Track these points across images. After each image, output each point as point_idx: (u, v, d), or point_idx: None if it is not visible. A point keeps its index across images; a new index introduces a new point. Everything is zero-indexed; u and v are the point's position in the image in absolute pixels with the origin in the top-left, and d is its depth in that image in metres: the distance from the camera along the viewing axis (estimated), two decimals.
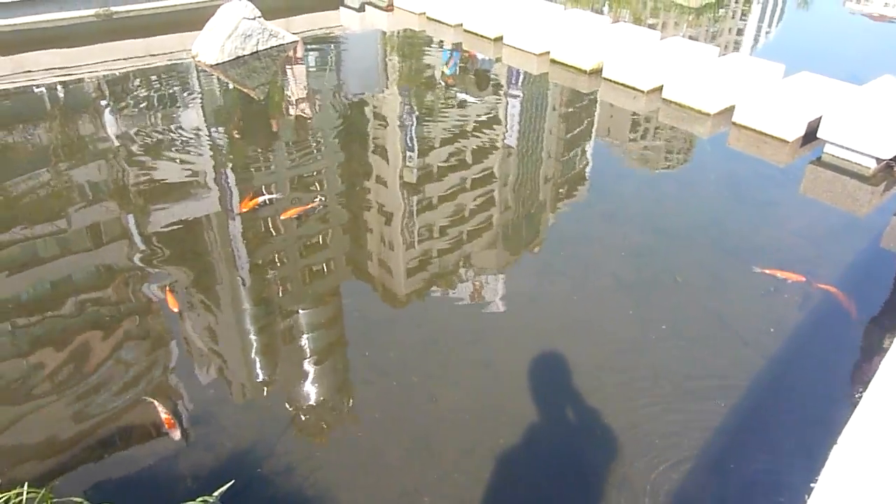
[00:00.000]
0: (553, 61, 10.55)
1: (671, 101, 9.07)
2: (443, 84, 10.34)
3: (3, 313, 5.33)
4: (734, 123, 8.44)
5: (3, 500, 2.28)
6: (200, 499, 2.88)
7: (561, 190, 7.60)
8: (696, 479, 3.98)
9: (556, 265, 6.04)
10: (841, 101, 7.80)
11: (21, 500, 2.33)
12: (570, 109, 9.57)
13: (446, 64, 11.12)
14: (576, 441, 4.26)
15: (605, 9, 15.94)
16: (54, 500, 2.46)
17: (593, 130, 8.94)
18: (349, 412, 4.51)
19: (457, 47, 11.58)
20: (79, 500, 2.51)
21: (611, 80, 9.75)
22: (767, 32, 15.99)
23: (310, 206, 6.77)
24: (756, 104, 8.22)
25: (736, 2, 17.18)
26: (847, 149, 7.53)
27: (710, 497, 3.96)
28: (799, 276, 5.66)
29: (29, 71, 10.21)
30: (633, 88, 9.48)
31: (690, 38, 12.79)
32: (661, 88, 9.23)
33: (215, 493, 2.97)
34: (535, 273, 5.95)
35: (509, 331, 5.20)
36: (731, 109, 8.55)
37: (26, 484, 2.36)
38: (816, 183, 7.58)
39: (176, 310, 5.27)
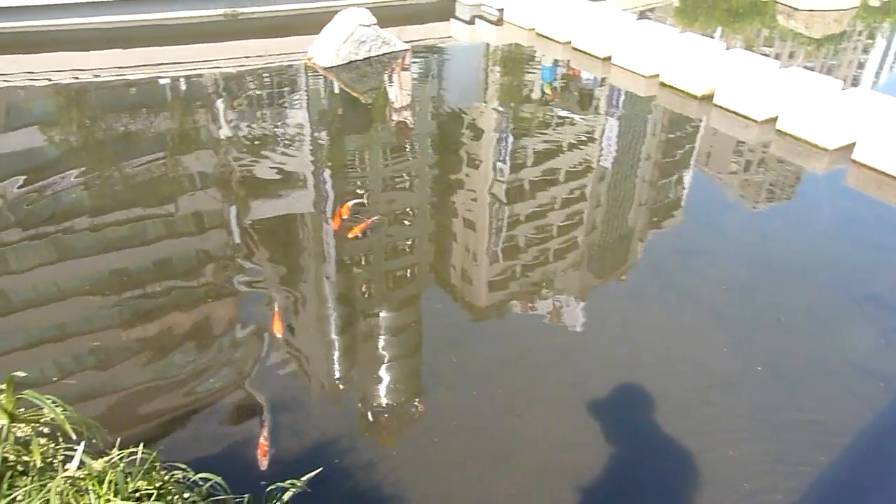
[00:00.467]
0: (662, 84, 10.31)
1: (786, 133, 8.65)
2: (543, 97, 10.37)
3: (111, 287, 5.71)
4: (853, 161, 7.95)
5: (117, 457, 2.43)
6: (289, 481, 2.97)
7: (655, 217, 7.40)
8: None
9: (649, 292, 5.87)
10: None
11: (134, 460, 2.49)
12: (673, 135, 9.33)
13: (551, 80, 11.13)
14: (658, 471, 4.12)
15: (717, 34, 15.45)
16: (163, 462, 2.61)
17: (692, 158, 8.67)
18: (428, 416, 4.55)
19: (557, 62, 11.59)
20: (183, 465, 2.65)
21: (722, 108, 9.42)
22: (892, 67, 14.99)
23: (370, 221, 6.60)
24: (879, 142, 7.72)
25: (859, 35, 16.23)
26: None
27: None
28: None
29: (157, 64, 10.96)
30: (746, 117, 9.11)
31: (806, 68, 12.19)
32: (776, 119, 8.83)
33: (303, 478, 3.05)
34: (628, 298, 5.81)
35: (598, 354, 5.10)
36: (851, 146, 8.07)
37: (141, 444, 2.51)
38: None
39: (279, 335, 5.21)
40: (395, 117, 9.59)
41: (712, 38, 13.31)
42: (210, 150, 8.27)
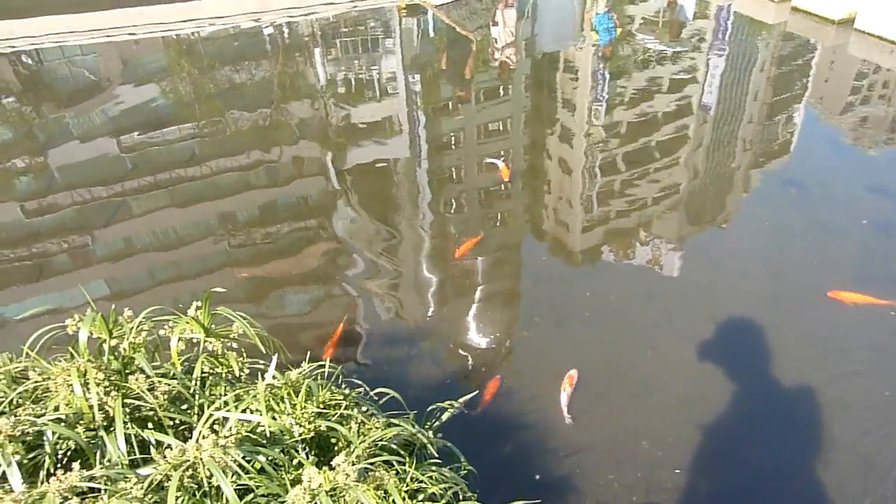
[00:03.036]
0: (795, 9, 9.49)
1: None
2: (599, 55, 9.36)
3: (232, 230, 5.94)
4: None
5: (308, 369, 2.52)
6: (448, 402, 3.02)
7: (770, 154, 6.91)
8: None
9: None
10: None
11: (323, 373, 2.58)
12: (804, 66, 8.61)
13: (596, 31, 9.95)
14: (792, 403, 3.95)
15: None
16: (344, 377, 2.70)
17: (844, 91, 7.98)
18: (567, 350, 4.51)
19: (611, 9, 10.50)
20: (360, 382, 2.73)
21: (865, 32, 8.58)
22: None
23: (478, 239, 5.80)
24: None
25: None
26: None
27: None
28: None
29: (261, 11, 11.08)
30: (894, 42, 8.28)
31: None
32: None
33: (460, 400, 3.10)
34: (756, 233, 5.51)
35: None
36: None
37: (328, 359, 2.59)
38: None
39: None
40: (497, 56, 9.35)
41: None
42: (310, 98, 8.35)
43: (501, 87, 8.53)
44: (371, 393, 2.72)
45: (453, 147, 7.34)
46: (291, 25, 10.55)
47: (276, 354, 2.49)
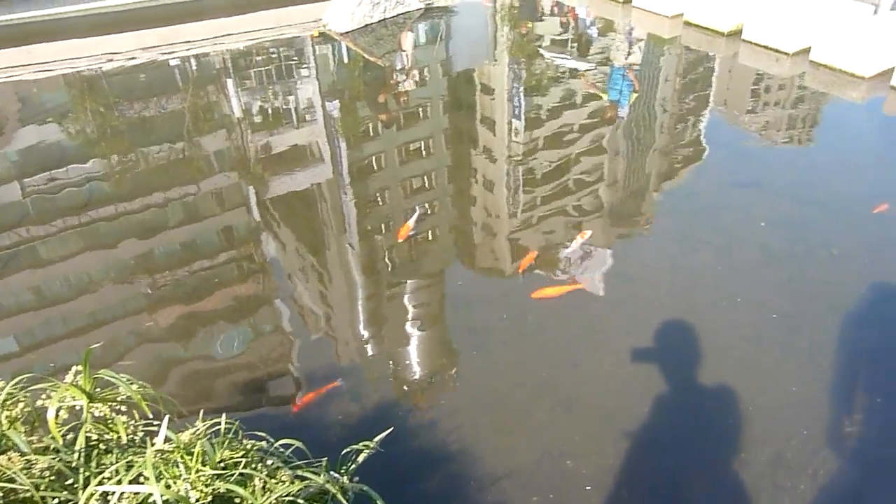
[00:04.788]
0: (687, 23, 9.97)
1: (820, 64, 8.36)
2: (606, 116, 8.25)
3: (148, 270, 5.70)
4: (893, 87, 7.67)
5: (202, 428, 2.39)
6: (363, 443, 2.92)
7: (686, 157, 7.19)
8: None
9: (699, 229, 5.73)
10: None
11: (218, 430, 2.45)
12: (696, 75, 9.03)
13: (605, 89, 8.78)
14: (710, 413, 4.05)
15: None
16: (244, 431, 2.57)
17: (725, 96, 8.40)
18: (485, 374, 4.49)
19: (629, 72, 9.11)
20: (263, 434, 2.61)
21: (751, 43, 9.10)
22: None
23: (415, 216, 6.16)
24: None
25: None
26: None
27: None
28: None
29: (165, 44, 10.75)
30: (777, 51, 8.81)
31: None
32: (808, 50, 8.52)
33: (376, 440, 3.01)
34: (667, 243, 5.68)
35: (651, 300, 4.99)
36: (889, 72, 7.78)
37: (224, 415, 2.46)
38: None
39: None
40: (408, 80, 9.37)
41: None
42: (225, 129, 8.16)
43: (420, 109, 8.54)
44: (276, 444, 2.60)
45: (376, 170, 7.29)
46: (200, 57, 10.28)
47: (167, 416, 2.35)
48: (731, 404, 4.04)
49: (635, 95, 8.41)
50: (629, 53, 9.54)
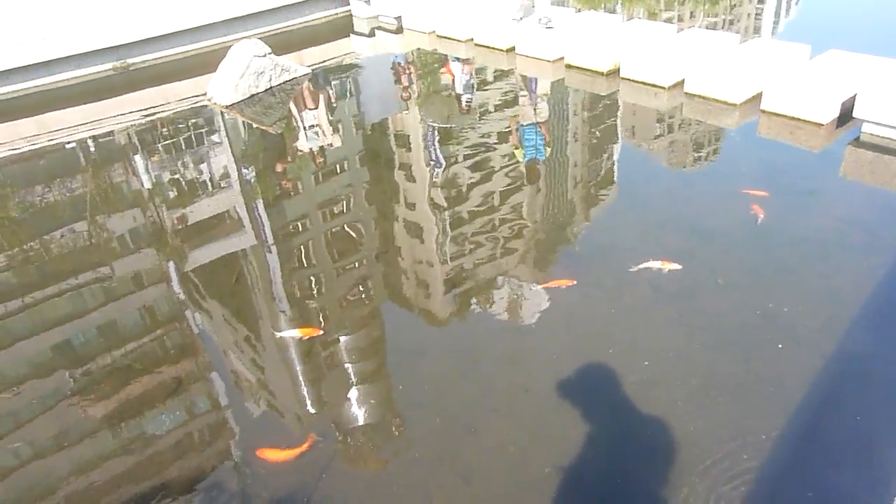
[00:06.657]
0: (568, 66, 10.33)
1: (694, 95, 8.77)
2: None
3: (60, 361, 5.42)
4: (763, 111, 8.10)
5: None
6: None
7: (591, 196, 7.37)
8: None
9: (591, 275, 5.79)
10: (876, 77, 7.43)
11: None
12: (590, 114, 9.34)
13: (521, 147, 8.59)
14: (627, 462, 4.02)
15: (619, 7, 15.69)
16: None
17: (618, 133, 8.71)
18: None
19: (541, 126, 9.04)
20: None
21: (630, 80, 9.49)
22: (787, 12, 15.51)
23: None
24: (784, 89, 7.88)
25: None
26: (887, 126, 7.14)
27: None
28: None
29: (56, 130, 10.40)
30: (654, 86, 9.20)
31: (708, 27, 12.46)
32: (682, 83, 8.94)
33: None
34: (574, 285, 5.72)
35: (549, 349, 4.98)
36: (758, 97, 8.22)
37: None
38: (857, 165, 7.21)
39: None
40: (315, 141, 9.30)
41: (615, 12, 13.52)
42: (136, 207, 7.91)
43: (337, 165, 8.52)
44: None
45: (300, 229, 7.18)
46: (97, 138, 9.98)
47: None
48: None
49: (549, 149, 8.48)
50: (536, 109, 9.69)
